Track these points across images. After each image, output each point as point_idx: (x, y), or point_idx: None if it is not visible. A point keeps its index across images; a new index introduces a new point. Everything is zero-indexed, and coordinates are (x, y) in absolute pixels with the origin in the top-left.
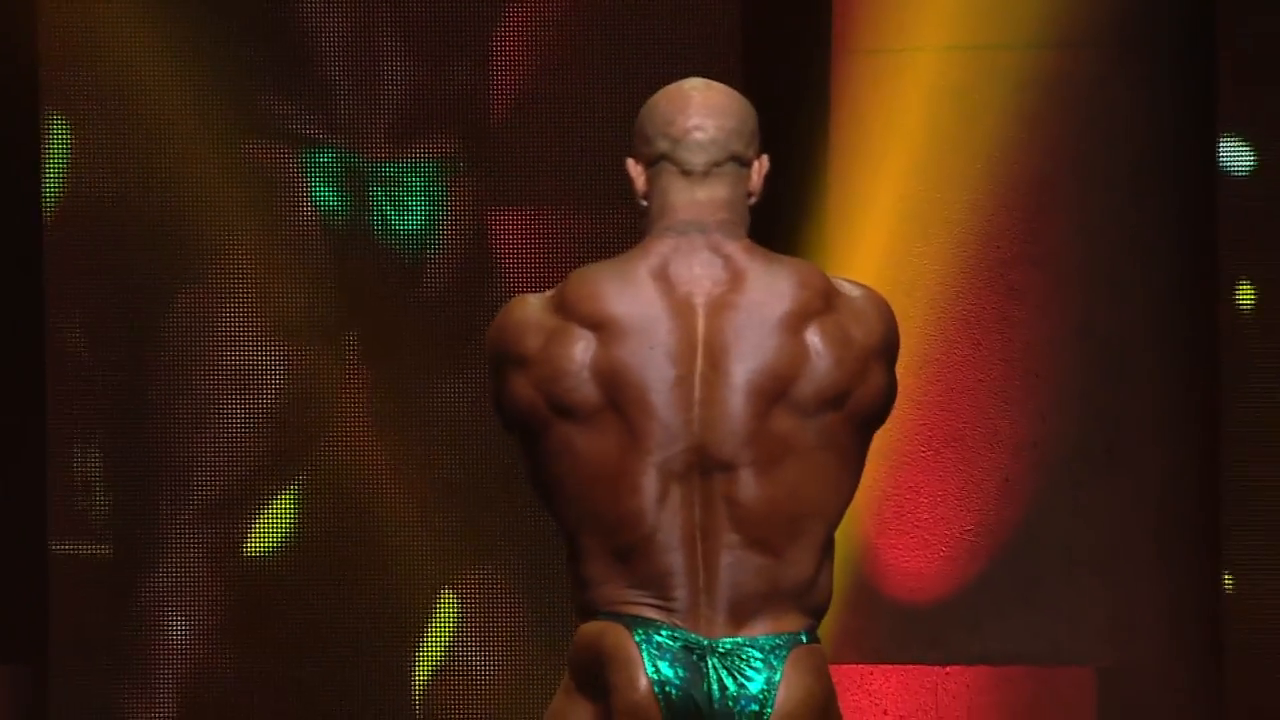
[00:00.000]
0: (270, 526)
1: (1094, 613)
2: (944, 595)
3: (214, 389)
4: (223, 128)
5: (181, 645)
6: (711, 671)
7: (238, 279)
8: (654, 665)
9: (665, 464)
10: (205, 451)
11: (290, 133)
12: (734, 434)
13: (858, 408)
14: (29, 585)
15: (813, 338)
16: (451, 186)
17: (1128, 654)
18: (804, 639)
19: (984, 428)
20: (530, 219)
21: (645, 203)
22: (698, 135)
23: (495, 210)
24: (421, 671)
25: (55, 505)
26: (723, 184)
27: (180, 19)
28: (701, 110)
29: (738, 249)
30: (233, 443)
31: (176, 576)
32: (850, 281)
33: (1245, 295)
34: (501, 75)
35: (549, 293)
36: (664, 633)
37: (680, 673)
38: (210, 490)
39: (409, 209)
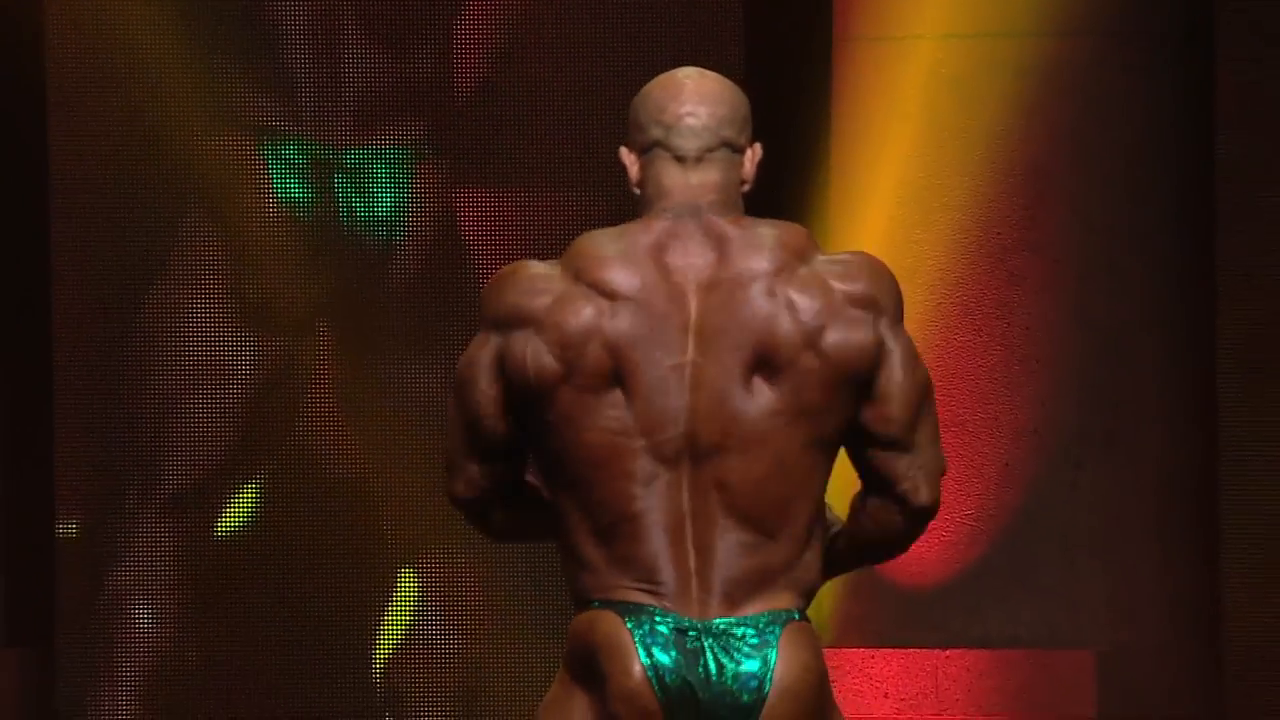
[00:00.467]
0: (241, 511)
1: (1093, 596)
2: (944, 580)
3: (186, 378)
4: (188, 118)
5: (147, 630)
6: (706, 652)
7: (207, 269)
8: (648, 652)
9: (656, 448)
10: (178, 439)
11: (255, 122)
12: (722, 418)
13: (837, 355)
14: (36, 569)
15: (788, 292)
16: (419, 172)
17: (1126, 637)
18: (796, 616)
19: (984, 413)
20: (499, 203)
21: (639, 190)
22: (690, 121)
23: (463, 195)
24: (383, 650)
25: (61, 489)
26: (715, 169)
27: (145, 11)
28: (694, 97)
29: (727, 223)
30: (203, 431)
31: (146, 562)
32: (853, 252)
33: (1242, 278)
34: (469, 58)
35: (552, 260)
36: (656, 617)
37: (675, 657)
38: (181, 477)
39: (377, 196)
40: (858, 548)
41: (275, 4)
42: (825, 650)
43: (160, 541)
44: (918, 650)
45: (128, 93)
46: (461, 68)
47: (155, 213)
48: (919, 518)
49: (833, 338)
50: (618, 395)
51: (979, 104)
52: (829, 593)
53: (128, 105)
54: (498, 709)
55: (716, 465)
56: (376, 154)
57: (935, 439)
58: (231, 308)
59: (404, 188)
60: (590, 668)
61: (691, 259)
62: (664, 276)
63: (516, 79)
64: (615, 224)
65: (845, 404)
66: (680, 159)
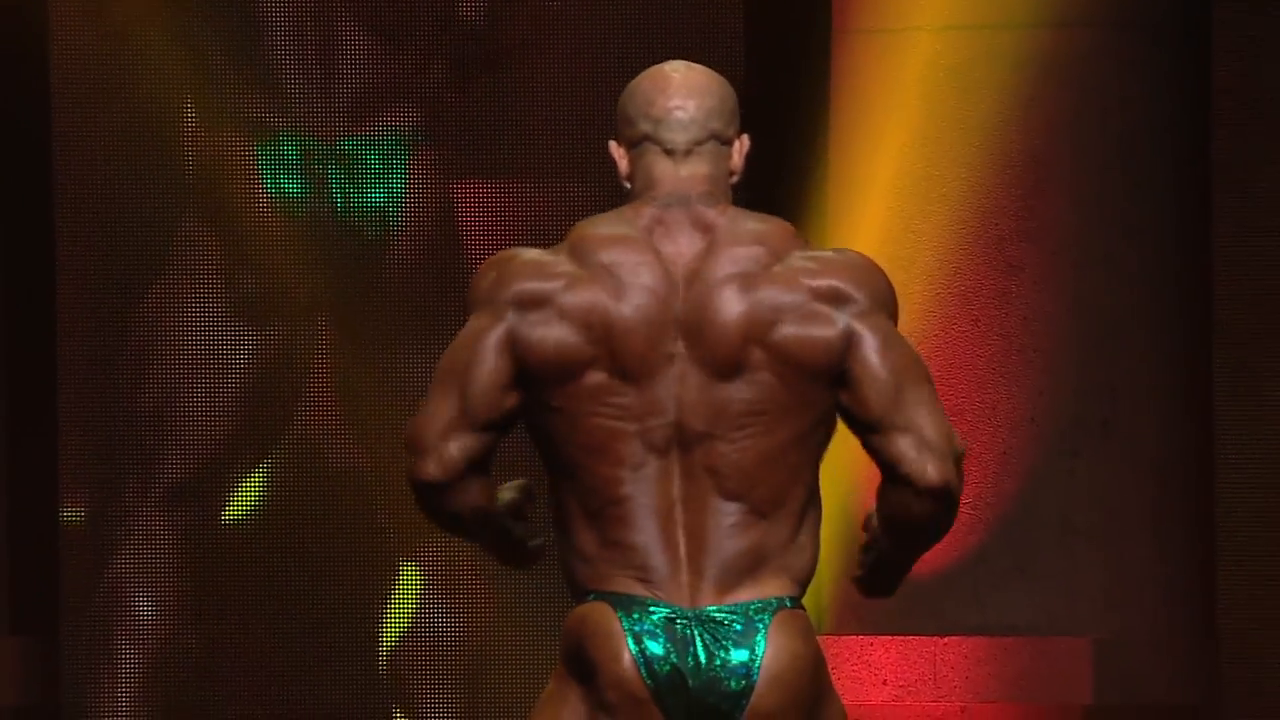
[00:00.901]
0: (243, 501)
1: (1090, 584)
2: (942, 568)
3: (188, 369)
4: (187, 114)
5: (150, 619)
6: (696, 640)
7: (207, 262)
8: (637, 641)
9: (646, 434)
10: (180, 430)
11: (251, 115)
12: (707, 411)
13: (792, 350)
14: (39, 558)
15: (759, 290)
16: (413, 161)
17: (1123, 625)
18: (788, 604)
19: (982, 402)
20: (494, 193)
21: (629, 185)
22: (679, 114)
23: (458, 186)
24: (387, 638)
25: (64, 479)
26: (704, 161)
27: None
28: (682, 91)
29: (715, 214)
30: (205, 422)
31: (149, 552)
32: (840, 250)
33: (1239, 268)
34: (463, 48)
35: (548, 248)
36: (649, 606)
37: (664, 645)
38: (183, 468)
39: (372, 185)
40: (895, 543)
41: None
42: (824, 638)
43: (163, 531)
44: (916, 637)
45: (129, 90)
46: (455, 58)
47: (156, 207)
48: (935, 497)
49: (789, 332)
50: (617, 382)
51: (977, 95)
52: (827, 580)
53: (129, 102)
54: (502, 696)
55: (706, 451)
56: (370, 142)
57: (935, 416)
58: (231, 300)
59: (399, 176)
60: (582, 659)
61: (680, 247)
62: (658, 262)
63: (512, 70)
64: (611, 205)
65: (816, 400)
66: (669, 152)
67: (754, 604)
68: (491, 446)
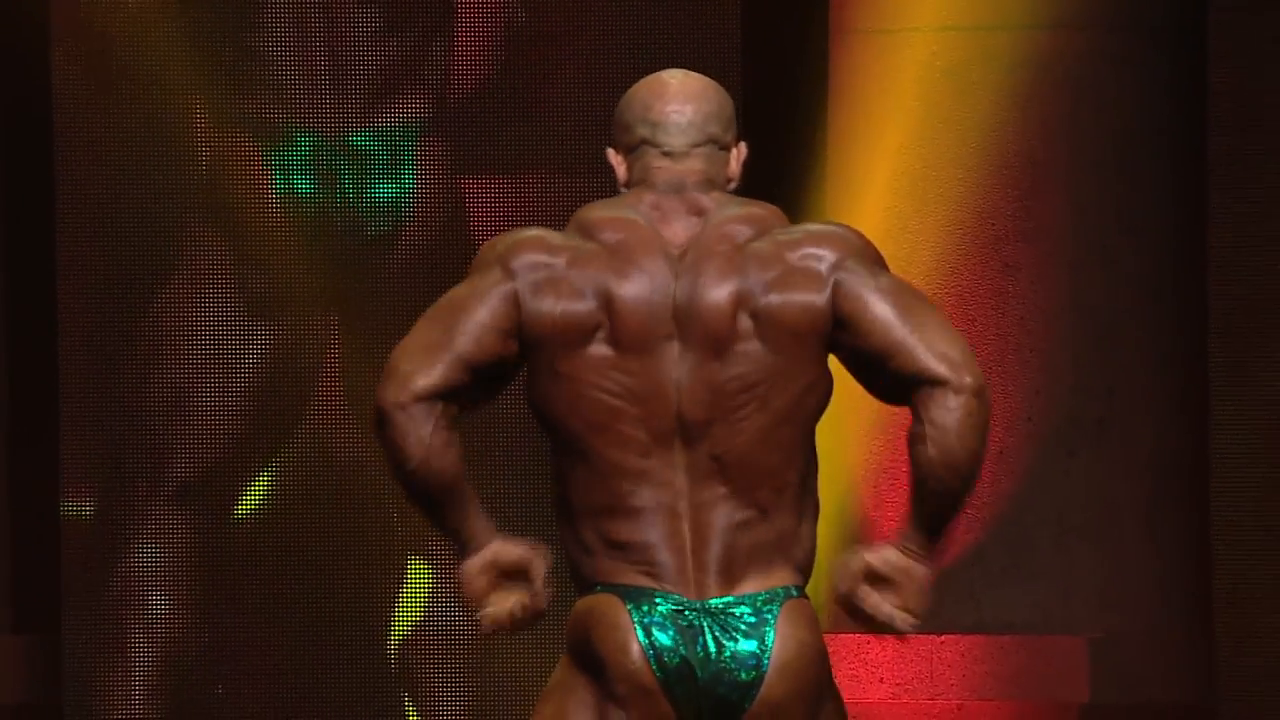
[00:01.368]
0: (252, 498)
1: (1086, 583)
2: (939, 566)
3: (194, 366)
4: (191, 110)
5: (155, 617)
6: (705, 631)
7: (214, 257)
8: (646, 632)
9: (649, 419)
10: (186, 426)
11: (257, 111)
12: (705, 394)
13: (778, 315)
14: (43, 556)
15: (746, 262)
16: (422, 155)
17: (1119, 623)
18: (794, 593)
19: None
20: (503, 185)
21: (626, 189)
22: (676, 118)
23: (467, 179)
24: (396, 633)
25: (67, 476)
26: (701, 161)
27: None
28: (680, 96)
29: (707, 199)
30: (212, 418)
31: (155, 549)
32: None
33: (1234, 267)
34: (471, 43)
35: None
36: (656, 598)
37: (673, 637)
38: (190, 464)
39: (380, 180)
40: (937, 482)
41: None
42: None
43: (171, 528)
44: (913, 636)
45: (132, 86)
46: (463, 53)
47: (163, 200)
48: (976, 395)
49: (773, 298)
50: (618, 357)
51: (974, 96)
52: (824, 577)
53: (132, 99)
54: (511, 688)
55: (707, 441)
56: (378, 136)
57: (952, 332)
58: (239, 296)
59: (407, 171)
60: (590, 650)
61: (676, 232)
62: (659, 245)
63: (518, 65)
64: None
65: (806, 364)
66: (668, 153)
67: (761, 595)
68: (464, 389)
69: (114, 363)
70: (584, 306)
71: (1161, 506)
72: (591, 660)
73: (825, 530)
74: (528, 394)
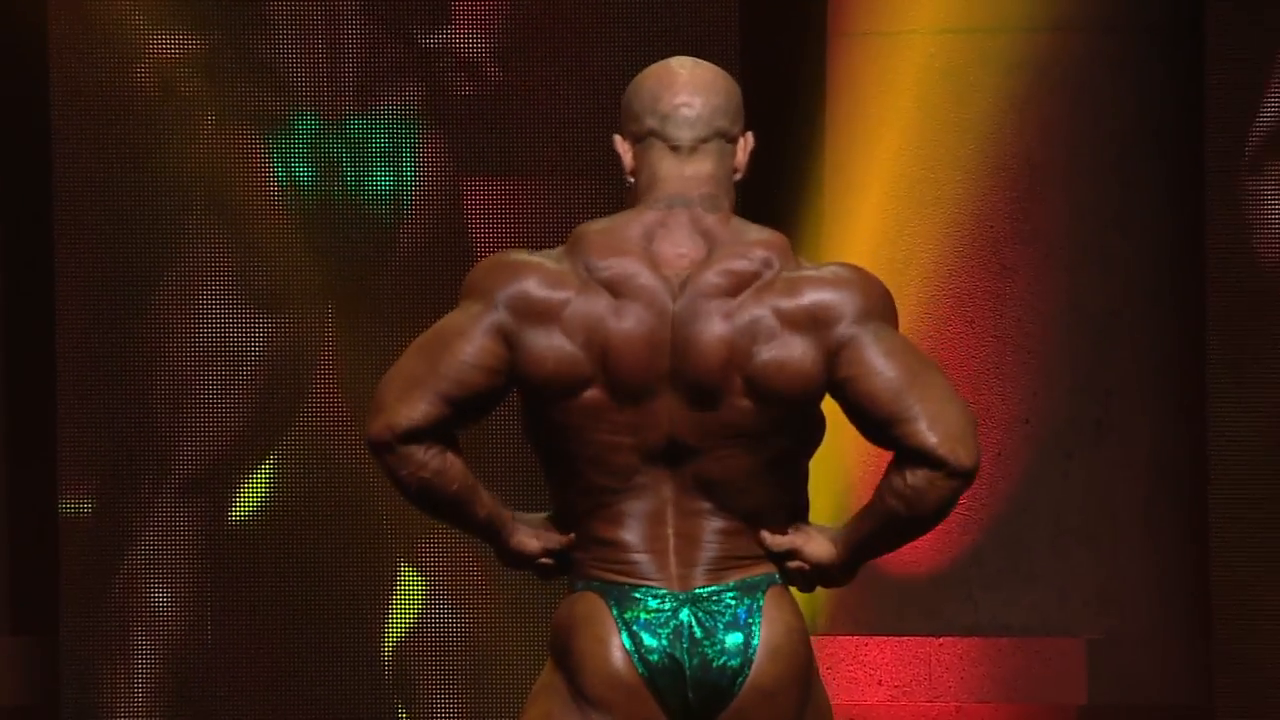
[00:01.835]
0: (250, 496)
1: (1084, 585)
2: (937, 568)
3: (191, 362)
4: (190, 103)
5: (153, 619)
6: (690, 621)
7: (215, 252)
8: (631, 634)
9: (640, 445)
10: (184, 424)
11: (257, 104)
12: (696, 425)
13: (764, 382)
14: (40, 557)
15: (733, 316)
16: (421, 142)
17: (1117, 625)
18: (777, 579)
19: (977, 403)
20: (502, 183)
21: (633, 179)
22: (685, 111)
23: (468, 173)
24: (394, 631)
25: (65, 476)
26: (709, 159)
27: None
28: (688, 87)
29: (715, 221)
30: (211, 415)
31: (153, 550)
32: (832, 262)
33: (1231, 269)
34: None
35: (553, 252)
36: (637, 594)
37: (659, 633)
38: (189, 462)
39: (380, 174)
40: (891, 528)
41: None
42: (819, 638)
43: (167, 528)
44: (911, 638)
45: (130, 80)
46: (463, 45)
47: (163, 193)
48: (966, 478)
49: (766, 359)
50: (614, 400)
51: (972, 98)
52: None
53: (130, 93)
54: (507, 695)
55: (695, 465)
56: (377, 122)
57: (952, 401)
58: (239, 289)
59: (409, 164)
60: (572, 653)
61: (681, 252)
62: (655, 271)
63: (518, 59)
64: (615, 208)
65: (796, 424)
66: (675, 149)
67: (745, 580)
68: (447, 422)
69: (112, 360)
70: (577, 357)
71: (1159, 508)
72: (574, 661)
73: None
74: (520, 419)
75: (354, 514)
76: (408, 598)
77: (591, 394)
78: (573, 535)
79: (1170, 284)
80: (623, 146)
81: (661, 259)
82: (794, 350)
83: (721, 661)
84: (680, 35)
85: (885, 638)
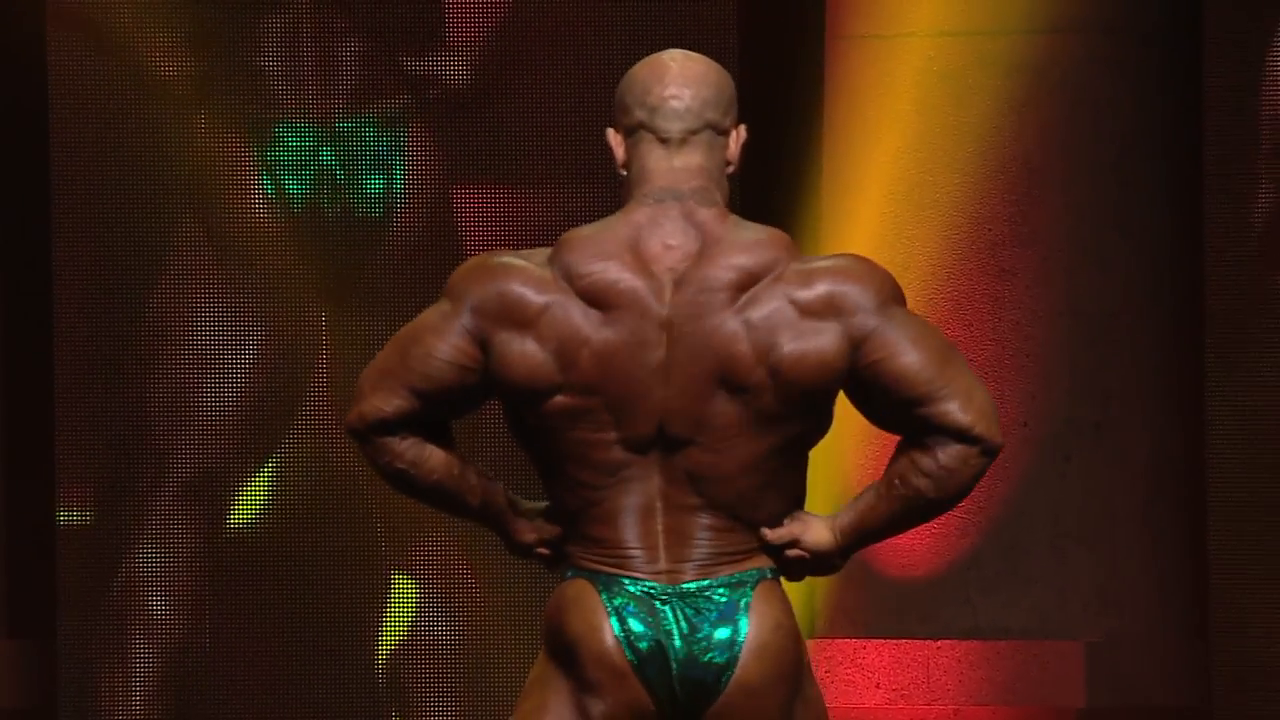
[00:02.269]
0: (246, 502)
1: (1082, 587)
2: (935, 571)
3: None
4: (184, 110)
5: (150, 623)
6: (678, 615)
7: (207, 259)
8: (618, 615)
9: (627, 440)
10: (180, 429)
11: (249, 112)
12: (691, 417)
13: (791, 369)
14: (37, 561)
15: (747, 309)
16: (412, 156)
17: (1115, 627)
18: (768, 574)
19: None
20: (493, 187)
21: (624, 172)
22: (674, 104)
23: (458, 179)
24: (390, 637)
25: (62, 480)
26: (699, 152)
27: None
28: (678, 80)
29: (710, 216)
30: (207, 421)
31: (150, 554)
32: (834, 254)
33: (1230, 271)
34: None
35: (540, 253)
36: (627, 584)
37: (645, 620)
38: (186, 467)
39: (372, 179)
40: (913, 510)
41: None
42: (817, 641)
43: (165, 533)
44: (909, 641)
45: (126, 88)
46: (453, 49)
47: (158, 200)
48: (992, 455)
49: (787, 353)
50: (600, 400)
51: (970, 101)
52: (820, 584)
53: (126, 101)
54: (501, 699)
55: (686, 458)
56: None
57: (976, 381)
58: (232, 295)
59: (400, 171)
60: (563, 636)
61: (671, 245)
62: (644, 271)
63: (508, 64)
64: (606, 213)
65: (811, 410)
66: (664, 141)
67: (734, 576)
68: (419, 414)
69: (109, 366)
70: (549, 364)
71: (1158, 510)
72: (565, 646)
73: None
74: (509, 424)
75: (348, 522)
76: (401, 604)
77: (561, 399)
78: (560, 529)
79: (1169, 286)
80: (615, 139)
81: (650, 256)
82: (816, 340)
83: (708, 657)
84: (677, 40)
85: (883, 640)
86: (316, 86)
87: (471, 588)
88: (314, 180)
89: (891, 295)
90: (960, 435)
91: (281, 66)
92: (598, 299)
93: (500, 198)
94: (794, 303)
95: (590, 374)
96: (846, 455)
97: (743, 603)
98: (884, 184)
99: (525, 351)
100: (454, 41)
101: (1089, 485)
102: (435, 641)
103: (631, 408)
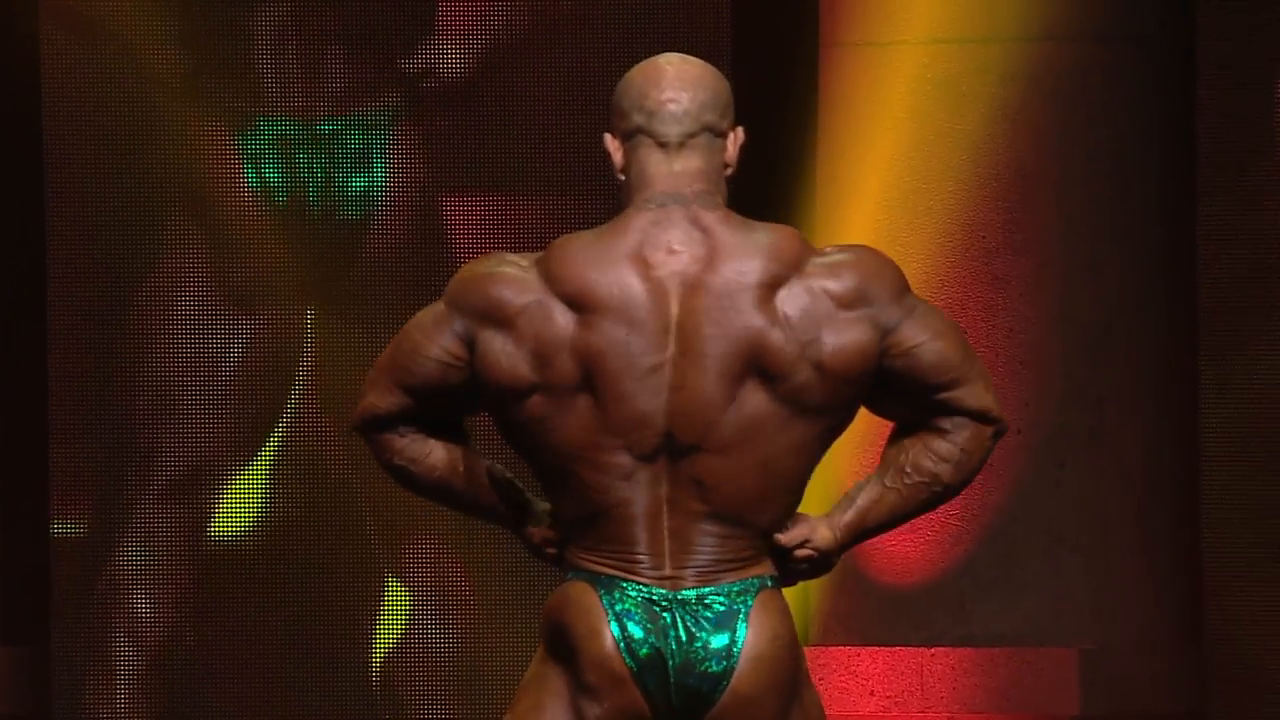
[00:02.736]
0: (236, 503)
1: (1077, 594)
2: (929, 578)
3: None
4: (177, 110)
5: (143, 628)
6: (676, 622)
7: (194, 258)
8: (618, 620)
9: (634, 446)
10: (171, 432)
11: (237, 111)
12: (702, 420)
13: (835, 362)
14: (30, 567)
15: (780, 305)
16: (397, 153)
17: (1110, 635)
18: (769, 583)
19: None
20: (478, 186)
21: (623, 177)
22: (672, 107)
23: (443, 177)
24: (381, 637)
25: (55, 487)
26: (698, 155)
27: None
28: (675, 83)
29: (715, 219)
30: (199, 423)
31: (141, 559)
32: (840, 246)
33: (1223, 279)
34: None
35: (530, 257)
36: (628, 589)
37: (645, 626)
38: (176, 471)
39: (359, 177)
40: (927, 498)
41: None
42: (810, 649)
43: (157, 540)
44: (903, 648)
45: (119, 86)
46: (441, 46)
47: (146, 205)
48: (1001, 434)
49: (829, 346)
50: (587, 400)
51: (964, 108)
52: (815, 591)
53: (119, 99)
54: (493, 701)
55: (694, 463)
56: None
57: (980, 362)
58: (220, 295)
59: (387, 167)
60: (562, 637)
61: (676, 250)
62: (644, 274)
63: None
64: (594, 211)
65: (851, 399)
66: (663, 145)
67: (735, 585)
68: (412, 411)
69: (101, 372)
70: (523, 366)
71: (1152, 517)
72: (564, 647)
73: None
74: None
75: (340, 524)
76: (394, 610)
77: (540, 399)
78: (557, 532)
79: (1163, 294)
80: (612, 144)
81: (654, 261)
82: (853, 331)
83: (705, 666)
84: (671, 46)
85: (877, 648)
86: (302, 85)
87: (465, 592)
88: (300, 178)
89: (906, 283)
90: (982, 416)
91: (269, 64)
92: (581, 302)
93: (486, 203)
94: (830, 295)
95: (569, 376)
96: (840, 468)
97: (742, 612)
98: (878, 191)
99: (503, 351)
100: (442, 43)
101: (1083, 492)
102: (427, 646)
103: (627, 411)
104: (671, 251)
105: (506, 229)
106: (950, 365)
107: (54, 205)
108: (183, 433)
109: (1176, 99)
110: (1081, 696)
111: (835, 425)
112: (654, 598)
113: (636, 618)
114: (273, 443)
